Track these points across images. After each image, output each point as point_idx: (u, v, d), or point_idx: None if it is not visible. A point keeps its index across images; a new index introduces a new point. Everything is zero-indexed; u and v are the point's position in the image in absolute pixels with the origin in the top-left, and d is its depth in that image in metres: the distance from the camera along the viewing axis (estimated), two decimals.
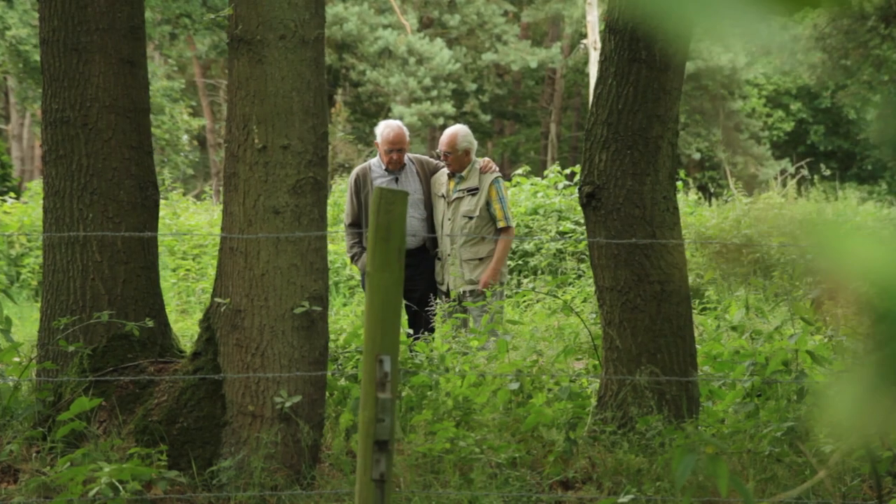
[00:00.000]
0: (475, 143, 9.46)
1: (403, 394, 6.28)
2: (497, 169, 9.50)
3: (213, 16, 6.57)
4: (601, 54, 6.25)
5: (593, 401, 6.24)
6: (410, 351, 7.14)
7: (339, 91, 36.06)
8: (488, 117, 36.75)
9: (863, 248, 1.04)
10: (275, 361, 5.53)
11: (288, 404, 5.47)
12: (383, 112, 33.72)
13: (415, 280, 9.09)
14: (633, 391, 5.98)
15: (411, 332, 8.35)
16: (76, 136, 5.97)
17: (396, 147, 9.21)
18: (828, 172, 24.01)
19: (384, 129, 9.34)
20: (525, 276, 13.96)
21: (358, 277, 14.14)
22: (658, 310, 6.07)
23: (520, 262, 14.30)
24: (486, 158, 9.56)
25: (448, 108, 32.58)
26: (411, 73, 32.56)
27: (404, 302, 9.07)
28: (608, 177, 6.13)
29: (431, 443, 5.73)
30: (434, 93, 32.73)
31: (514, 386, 6.38)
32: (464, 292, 9.11)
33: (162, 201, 16.26)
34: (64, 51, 5.97)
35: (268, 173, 5.52)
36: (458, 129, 9.45)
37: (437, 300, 9.14)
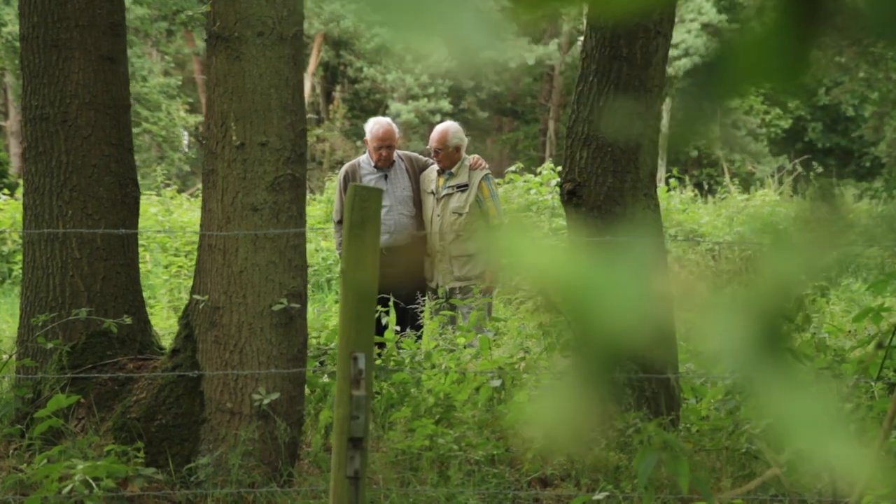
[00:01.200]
0: (465, 139, 9.47)
1: (384, 391, 6.28)
2: (487, 166, 9.51)
3: (190, 12, 6.55)
4: (582, 52, 6.25)
5: None
6: (397, 348, 7.14)
7: (338, 88, 36.05)
8: (486, 114, 36.73)
9: (541, 258, 1.03)
10: (253, 358, 5.53)
11: (266, 401, 5.47)
12: (381, 109, 33.72)
13: (402, 277, 9.10)
14: (612, 388, 5.98)
15: (398, 328, 8.35)
16: (56, 133, 5.96)
17: (385, 144, 9.21)
18: (821, 169, 23.99)
19: (373, 125, 9.35)
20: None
21: None
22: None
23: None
24: (476, 155, 9.57)
25: (445, 104, 32.57)
26: (408, 70, 32.55)
27: (392, 299, 9.11)
28: (589, 174, 6.13)
29: (410, 440, 5.73)
30: (431, 90, 32.73)
31: (496, 383, 6.38)
32: (452, 289, 9.11)
33: (155, 198, 16.25)
34: (43, 47, 5.97)
35: (246, 170, 5.52)
36: (449, 126, 9.46)
37: (426, 297, 9.14)
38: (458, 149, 9.25)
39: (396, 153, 9.34)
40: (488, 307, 9.18)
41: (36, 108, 5.97)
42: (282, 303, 5.52)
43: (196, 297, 5.62)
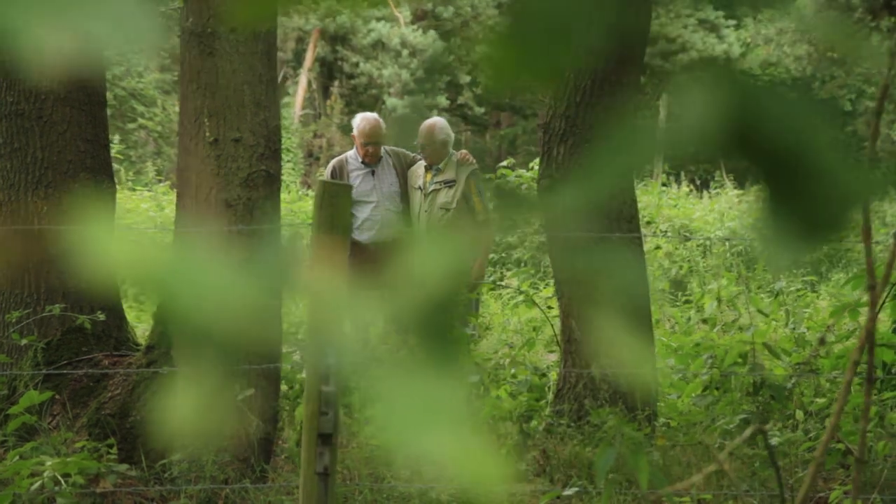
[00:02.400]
0: (452, 135, 9.48)
1: (360, 386, 6.27)
2: (474, 161, 9.51)
3: (162, 8, 6.54)
4: None
5: (550, 394, 6.25)
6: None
7: (336, 83, 36.05)
8: (483, 109, 36.72)
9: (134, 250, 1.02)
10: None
11: (240, 398, 5.46)
12: (378, 104, 33.71)
13: (389, 273, 9.11)
14: (590, 383, 5.98)
15: None
16: (31, 129, 5.96)
17: (372, 140, 9.22)
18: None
19: (360, 121, 9.37)
20: (508, 269, 13.96)
21: None
22: (615, 302, 6.07)
23: (503, 254, 14.29)
24: (464, 151, 9.57)
25: (442, 99, 32.57)
26: (405, 65, 32.54)
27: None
28: (566, 170, 6.13)
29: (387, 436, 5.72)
30: (427, 85, 32.68)
31: (474, 379, 6.37)
32: None
33: (146, 194, 16.26)
34: None
35: (220, 166, 5.51)
36: (436, 121, 9.48)
37: None
38: (445, 144, 9.25)
39: (384, 149, 9.34)
40: (475, 302, 9.19)
41: (11, 104, 5.97)
42: None
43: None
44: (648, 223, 14.69)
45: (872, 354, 2.76)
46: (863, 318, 6.43)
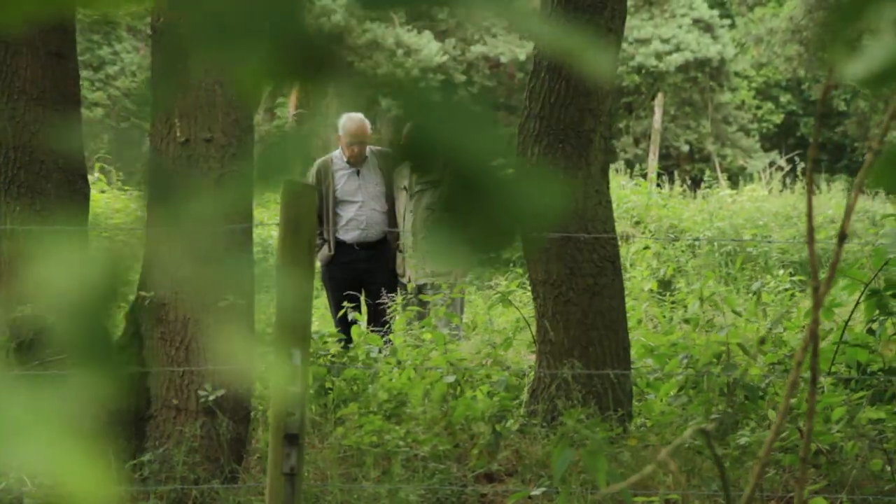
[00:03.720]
0: None
1: (336, 386, 6.27)
2: None
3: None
4: (534, 48, 6.24)
5: (524, 394, 6.25)
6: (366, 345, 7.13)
7: (331, 83, 36.01)
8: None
9: None
10: (199, 355, 5.52)
11: (212, 398, 5.46)
12: (373, 103, 33.68)
13: (374, 273, 9.10)
14: (564, 384, 5.98)
15: (365, 324, 8.36)
16: (3, 129, 5.95)
17: (358, 140, 9.22)
18: (802, 165, 23.88)
19: (346, 121, 9.36)
20: (498, 268, 13.93)
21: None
22: (590, 303, 6.07)
23: (493, 253, 14.26)
24: None
25: None
26: (399, 66, 32.53)
27: (363, 296, 9.09)
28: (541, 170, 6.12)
29: (359, 436, 5.72)
30: (422, 85, 32.72)
31: (450, 379, 6.37)
32: (423, 284, 9.12)
33: (137, 192, 16.25)
34: None
35: (191, 167, 5.50)
36: None
37: (396, 293, 9.12)
38: None
39: (369, 148, 9.33)
40: (460, 302, 9.19)
41: None
42: (228, 299, 5.50)
43: (142, 293, 5.62)
44: (637, 223, 14.69)
45: (816, 355, 2.75)
46: (839, 318, 6.42)
